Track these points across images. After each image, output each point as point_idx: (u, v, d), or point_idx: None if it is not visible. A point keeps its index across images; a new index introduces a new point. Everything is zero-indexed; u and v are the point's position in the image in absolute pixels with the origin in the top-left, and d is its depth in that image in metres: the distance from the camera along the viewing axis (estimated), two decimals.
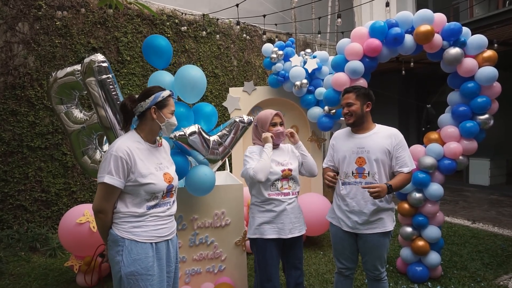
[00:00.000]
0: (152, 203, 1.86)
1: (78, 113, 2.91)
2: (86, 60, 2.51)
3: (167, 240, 1.94)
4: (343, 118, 2.45)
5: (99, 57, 2.50)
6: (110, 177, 1.76)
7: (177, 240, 2.11)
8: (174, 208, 2.01)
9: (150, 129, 1.94)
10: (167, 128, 1.98)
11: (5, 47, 4.70)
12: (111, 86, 2.47)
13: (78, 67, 2.78)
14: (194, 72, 2.60)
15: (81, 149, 2.88)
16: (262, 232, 2.38)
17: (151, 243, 1.83)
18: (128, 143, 1.85)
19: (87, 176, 5.15)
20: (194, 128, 2.50)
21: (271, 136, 2.42)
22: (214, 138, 2.63)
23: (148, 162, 1.88)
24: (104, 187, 1.78)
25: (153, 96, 1.90)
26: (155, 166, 1.91)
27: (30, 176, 4.81)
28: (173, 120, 1.99)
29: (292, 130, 2.56)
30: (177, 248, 2.10)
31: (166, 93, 1.95)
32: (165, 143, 2.13)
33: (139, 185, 1.81)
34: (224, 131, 2.69)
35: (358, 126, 2.37)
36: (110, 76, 2.49)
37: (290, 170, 2.42)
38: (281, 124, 2.48)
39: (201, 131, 2.53)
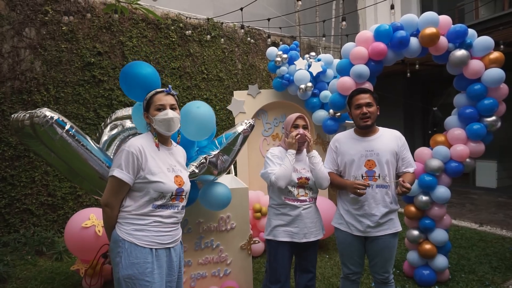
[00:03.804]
0: (159, 202, 1.84)
1: None
2: (28, 122, 2.10)
3: (169, 248, 1.90)
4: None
5: (46, 113, 2.08)
6: (119, 171, 1.77)
7: (181, 249, 2.05)
8: (181, 216, 1.98)
9: (152, 130, 1.94)
10: (159, 126, 1.88)
11: (12, 52, 4.75)
12: (75, 137, 2.18)
13: (28, 115, 2.22)
14: (201, 111, 2.34)
15: (77, 178, 2.68)
16: (276, 235, 2.39)
17: (151, 248, 1.81)
18: (142, 141, 1.86)
19: None
20: (201, 159, 2.49)
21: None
22: (218, 153, 2.56)
23: (160, 161, 1.88)
24: (114, 181, 1.79)
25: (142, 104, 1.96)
26: (168, 167, 1.90)
27: (37, 180, 4.84)
28: (160, 115, 1.87)
29: (309, 139, 2.40)
30: (181, 257, 2.04)
31: (149, 94, 1.93)
32: (181, 149, 2.12)
33: (148, 182, 1.80)
34: (229, 144, 2.61)
35: (369, 128, 2.35)
36: (66, 127, 2.14)
37: (307, 179, 2.39)
38: (305, 128, 2.42)
39: (209, 159, 2.50)
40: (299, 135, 2.35)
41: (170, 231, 1.89)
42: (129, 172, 1.78)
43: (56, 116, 2.12)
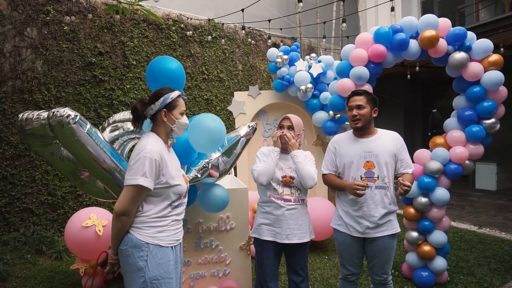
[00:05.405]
0: (176, 203, 1.91)
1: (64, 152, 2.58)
2: (53, 122, 2.11)
3: (180, 243, 1.99)
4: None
5: (69, 113, 2.10)
6: (145, 179, 1.73)
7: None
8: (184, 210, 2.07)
9: (164, 131, 1.93)
10: (179, 129, 1.95)
11: (14, 51, 4.77)
12: (93, 137, 2.20)
13: (44, 114, 2.32)
14: (211, 124, 2.30)
15: (78, 181, 2.68)
16: (260, 233, 2.45)
17: (172, 246, 1.87)
18: (158, 146, 1.84)
19: None
20: (204, 164, 2.49)
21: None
22: (220, 156, 2.57)
23: (172, 164, 1.91)
24: (136, 189, 1.74)
25: (162, 99, 1.86)
26: (177, 167, 1.97)
27: (37, 179, 4.86)
28: (184, 120, 1.95)
29: (288, 138, 2.42)
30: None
31: (175, 94, 1.91)
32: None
33: (169, 186, 1.84)
34: (230, 147, 2.61)
35: (364, 130, 2.36)
36: (87, 126, 2.18)
37: (292, 178, 2.41)
38: (290, 128, 2.46)
39: (211, 163, 2.51)
40: (280, 134, 2.43)
41: (181, 226, 1.97)
42: (153, 179, 1.77)
43: (78, 115, 2.15)
